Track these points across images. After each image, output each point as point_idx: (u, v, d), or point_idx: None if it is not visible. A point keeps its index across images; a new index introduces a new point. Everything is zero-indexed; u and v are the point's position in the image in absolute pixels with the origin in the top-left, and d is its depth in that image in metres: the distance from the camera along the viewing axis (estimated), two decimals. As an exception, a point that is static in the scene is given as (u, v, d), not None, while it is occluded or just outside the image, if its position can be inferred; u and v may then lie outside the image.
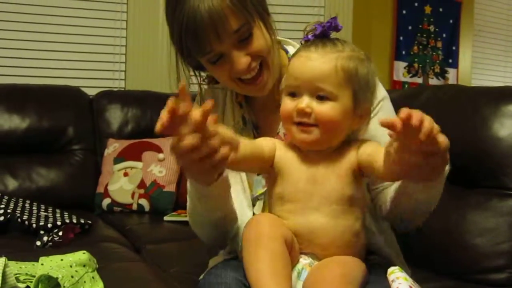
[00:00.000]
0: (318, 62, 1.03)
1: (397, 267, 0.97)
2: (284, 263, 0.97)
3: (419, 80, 3.83)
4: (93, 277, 1.30)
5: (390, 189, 1.15)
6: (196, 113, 0.86)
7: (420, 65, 3.84)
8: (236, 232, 1.25)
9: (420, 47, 3.83)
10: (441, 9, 3.87)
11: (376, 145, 1.05)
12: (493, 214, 1.51)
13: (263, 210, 1.21)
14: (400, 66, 3.76)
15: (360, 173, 1.06)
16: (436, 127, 0.83)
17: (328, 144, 1.06)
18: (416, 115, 0.81)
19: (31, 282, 1.25)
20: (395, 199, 1.12)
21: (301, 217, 1.04)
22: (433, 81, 3.89)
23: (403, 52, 3.76)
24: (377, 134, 1.14)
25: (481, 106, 1.61)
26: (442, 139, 0.85)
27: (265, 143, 1.10)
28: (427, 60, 3.86)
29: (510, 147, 1.52)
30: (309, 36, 1.08)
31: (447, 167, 0.96)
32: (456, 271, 1.51)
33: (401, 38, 3.74)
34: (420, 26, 3.82)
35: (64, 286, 1.20)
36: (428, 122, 0.82)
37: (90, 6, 3.10)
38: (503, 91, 1.61)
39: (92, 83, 3.07)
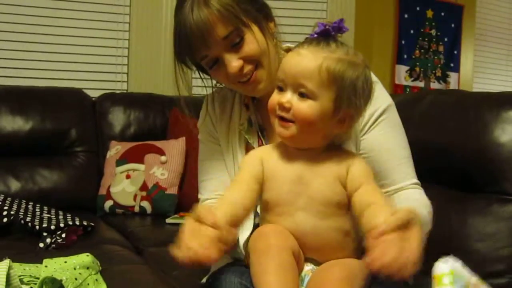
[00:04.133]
0: (305, 59, 1.03)
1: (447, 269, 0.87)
2: (293, 274, 0.97)
3: (421, 84, 3.84)
4: (96, 280, 1.31)
5: None
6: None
7: (422, 69, 3.85)
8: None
9: (422, 51, 3.84)
10: (442, 13, 3.89)
11: (366, 182, 1.05)
12: (493, 219, 1.51)
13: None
14: (402, 70, 3.77)
15: None
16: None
17: (305, 143, 1.07)
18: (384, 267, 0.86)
19: (35, 284, 1.27)
20: None
21: (289, 220, 1.04)
22: (434, 85, 3.90)
23: (405, 56, 3.77)
24: (373, 148, 1.21)
25: (483, 112, 1.62)
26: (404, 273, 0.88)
27: (252, 169, 1.09)
28: (429, 64, 3.87)
29: (511, 152, 1.52)
30: (312, 34, 1.09)
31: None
32: None
33: (403, 42, 3.76)
34: (422, 30, 3.84)
35: (68, 289, 1.21)
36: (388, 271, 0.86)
37: (93, 9, 3.12)
38: (504, 97, 1.61)
39: (94, 85, 3.09)
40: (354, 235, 1.09)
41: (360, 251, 1.13)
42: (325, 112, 1.04)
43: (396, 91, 3.71)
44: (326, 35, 1.07)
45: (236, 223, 1.00)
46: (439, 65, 3.92)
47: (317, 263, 1.04)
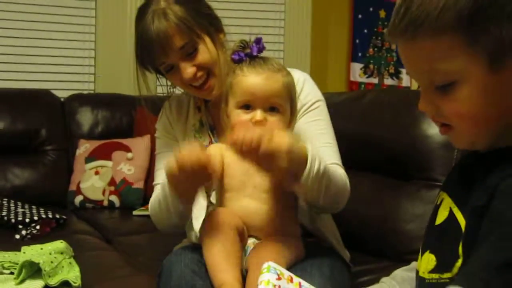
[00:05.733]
0: (271, 81, 1.23)
1: (268, 265, 0.95)
2: (236, 247, 1.16)
3: (375, 81, 4.03)
4: (70, 263, 1.47)
5: None
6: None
7: (376, 66, 4.03)
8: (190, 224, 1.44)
9: (375, 49, 4.02)
10: (395, 13, 4.08)
11: None
12: (422, 202, 1.70)
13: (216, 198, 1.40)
14: (357, 68, 3.95)
15: None
16: (260, 140, 1.03)
17: None
18: (241, 140, 1.03)
19: (15, 268, 1.42)
20: None
21: (237, 203, 1.24)
22: (388, 81, 4.09)
23: (359, 54, 3.95)
24: (300, 133, 1.36)
25: (413, 108, 1.76)
26: (269, 146, 1.04)
27: (217, 158, 1.26)
28: (382, 62, 4.05)
29: (436, 144, 1.71)
30: (242, 55, 1.28)
31: (308, 170, 1.15)
32: (391, 253, 1.70)
33: (357, 41, 3.94)
34: (375, 29, 4.01)
35: (45, 270, 1.37)
36: (248, 143, 1.03)
37: (60, 12, 3.19)
38: (432, 94, 1.81)
39: (62, 86, 3.17)
40: (292, 217, 1.29)
41: (298, 230, 1.33)
42: (287, 120, 1.27)
43: (351, 87, 3.90)
44: (251, 56, 1.27)
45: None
46: (392, 62, 4.11)
47: (258, 238, 1.23)
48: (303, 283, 0.96)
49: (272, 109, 1.23)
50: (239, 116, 1.24)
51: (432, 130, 1.74)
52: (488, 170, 0.79)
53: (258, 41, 1.28)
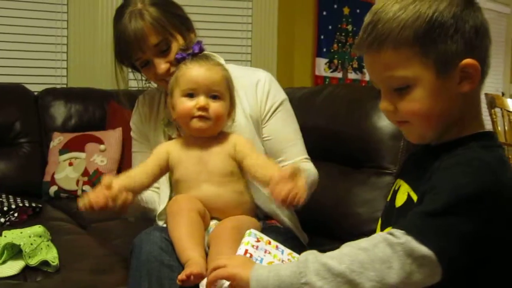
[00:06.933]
0: (212, 72, 1.38)
1: (249, 231, 1.11)
2: (198, 227, 1.30)
3: (339, 75, 4.20)
4: (48, 245, 1.60)
5: None
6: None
7: (340, 61, 4.20)
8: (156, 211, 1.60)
9: (340, 45, 4.19)
10: (358, 10, 4.22)
11: (250, 152, 1.38)
12: (372, 188, 1.86)
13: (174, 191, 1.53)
14: (322, 63, 4.10)
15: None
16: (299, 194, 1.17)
17: (214, 132, 1.40)
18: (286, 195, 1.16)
19: (-4, 251, 1.54)
20: None
21: (197, 190, 1.37)
22: (351, 75, 4.27)
23: (324, 50, 4.10)
24: (273, 133, 1.56)
25: (364, 102, 1.98)
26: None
27: (157, 158, 1.41)
28: (346, 57, 4.22)
29: (385, 135, 1.87)
30: (184, 54, 1.42)
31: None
32: (343, 235, 1.82)
33: (322, 37, 4.09)
34: (339, 26, 4.17)
35: (25, 252, 1.49)
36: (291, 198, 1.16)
37: (31, 7, 3.24)
38: (381, 90, 1.98)
39: (35, 80, 3.23)
40: (247, 195, 1.43)
41: (254, 209, 1.48)
42: (227, 108, 1.40)
43: (317, 82, 4.05)
44: (194, 54, 1.41)
45: (129, 191, 1.32)
46: (355, 58, 4.27)
47: (220, 219, 1.38)
48: (280, 245, 1.12)
49: (213, 97, 1.37)
50: (184, 104, 1.38)
51: (382, 122, 1.90)
52: (435, 159, 0.98)
53: (199, 43, 1.44)
